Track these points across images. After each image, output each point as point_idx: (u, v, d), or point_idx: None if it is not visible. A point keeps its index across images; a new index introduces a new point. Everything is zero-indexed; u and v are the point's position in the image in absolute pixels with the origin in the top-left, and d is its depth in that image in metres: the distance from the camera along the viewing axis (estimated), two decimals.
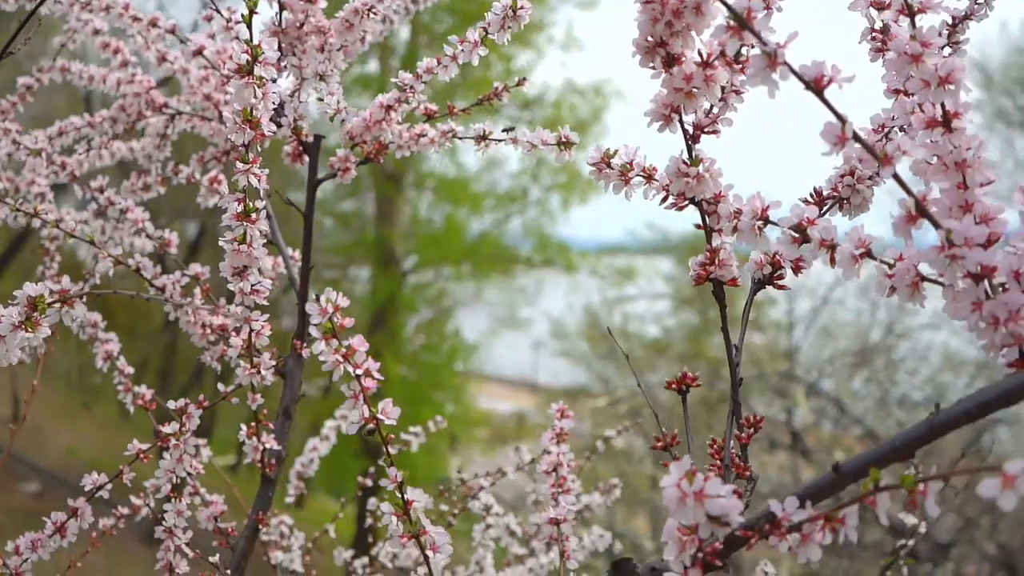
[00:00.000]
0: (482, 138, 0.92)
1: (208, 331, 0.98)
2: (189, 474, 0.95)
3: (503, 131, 0.92)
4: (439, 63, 0.89)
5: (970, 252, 0.49)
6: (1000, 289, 0.50)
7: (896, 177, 0.50)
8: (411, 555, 1.20)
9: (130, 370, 1.08)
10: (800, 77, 0.49)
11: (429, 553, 0.62)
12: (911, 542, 1.06)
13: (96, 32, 1.16)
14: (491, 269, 11.98)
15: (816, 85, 0.49)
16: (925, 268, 0.53)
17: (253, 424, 0.93)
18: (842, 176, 0.66)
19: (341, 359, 0.60)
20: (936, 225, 0.50)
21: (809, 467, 6.28)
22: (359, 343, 0.60)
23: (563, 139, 0.81)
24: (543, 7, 10.55)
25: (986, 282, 0.51)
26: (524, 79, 0.96)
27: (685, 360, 8.21)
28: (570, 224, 11.88)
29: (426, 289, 11.95)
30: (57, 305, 0.64)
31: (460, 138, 0.94)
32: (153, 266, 1.01)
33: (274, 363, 0.88)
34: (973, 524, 5.97)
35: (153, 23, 1.06)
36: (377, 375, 0.60)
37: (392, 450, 0.64)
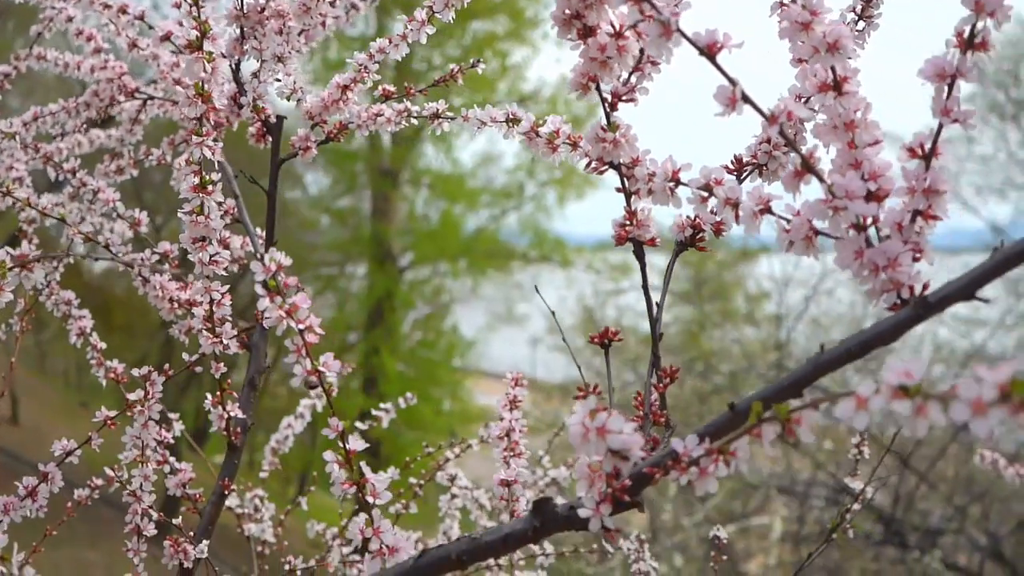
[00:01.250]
0: (435, 116, 0.96)
1: (175, 306, 1.02)
2: (159, 442, 0.99)
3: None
4: (390, 42, 0.93)
5: (852, 204, 0.53)
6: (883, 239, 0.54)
7: (783, 134, 0.54)
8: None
9: (102, 345, 1.11)
10: (693, 44, 0.53)
11: (370, 498, 0.66)
12: (856, 506, 1.10)
13: (70, 19, 1.20)
14: (487, 265, 12.02)
15: (709, 51, 0.53)
16: (819, 223, 0.57)
17: (218, 393, 0.97)
18: (760, 143, 0.70)
19: (284, 315, 0.64)
20: (820, 179, 0.54)
21: (801, 458, 6.33)
22: (302, 300, 0.64)
23: (511, 116, 0.85)
24: (538, 3, 10.56)
25: (871, 232, 0.55)
26: (479, 60, 1.00)
27: (680, 353, 8.25)
28: (566, 220, 11.91)
29: (423, 285, 11.99)
30: (16, 269, 0.67)
31: (415, 117, 0.98)
32: (124, 244, 1.05)
33: (235, 333, 0.92)
34: (963, 513, 6.02)
35: (123, 10, 1.10)
36: (319, 330, 0.64)
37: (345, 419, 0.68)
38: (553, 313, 0.90)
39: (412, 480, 1.31)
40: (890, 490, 6.33)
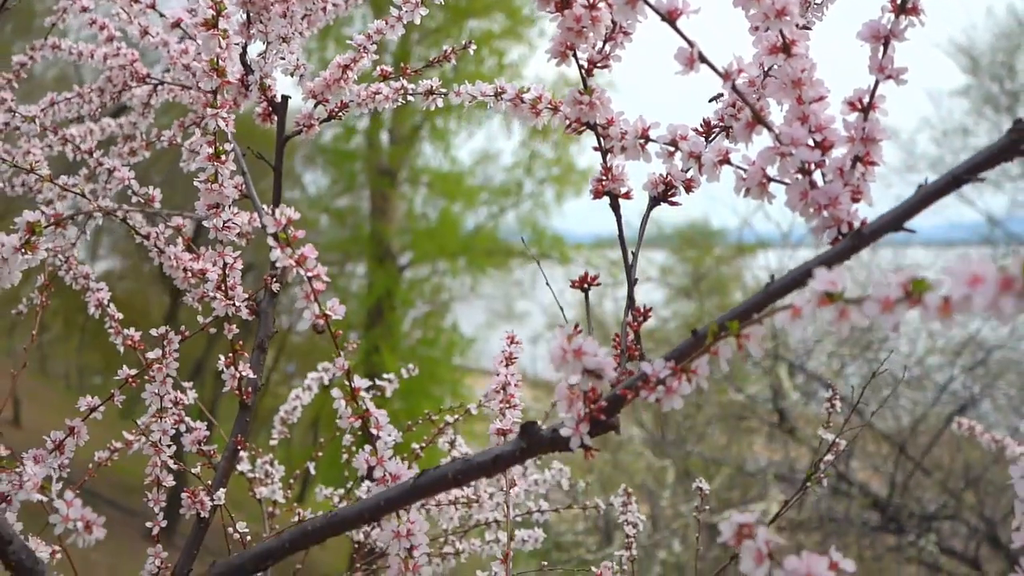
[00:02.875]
0: (429, 92, 1.03)
1: (189, 275, 1.08)
2: (174, 402, 1.06)
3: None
4: (387, 23, 1.00)
5: (797, 151, 0.60)
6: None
7: (735, 90, 0.60)
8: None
9: (119, 316, 1.18)
10: (656, 10, 0.60)
11: (374, 431, 0.73)
12: (829, 456, 1.16)
13: (84, 10, 1.26)
14: (486, 263, 12.09)
15: (670, 16, 0.60)
16: (771, 171, 0.64)
17: (231, 355, 1.04)
18: (726, 107, 0.76)
19: (294, 263, 0.70)
20: (770, 129, 0.60)
21: (797, 446, 6.41)
22: (309, 251, 0.71)
23: (499, 90, 0.91)
24: (533, 1, 10.57)
25: (818, 177, 0.62)
26: (470, 42, 1.07)
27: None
28: (564, 217, 11.97)
29: (422, 284, 12.05)
30: (52, 227, 0.74)
31: (411, 94, 1.05)
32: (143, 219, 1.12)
33: (247, 296, 0.99)
34: (958, 499, 6.09)
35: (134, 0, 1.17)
36: (326, 278, 0.71)
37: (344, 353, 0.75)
38: (562, 308, 0.95)
39: (414, 445, 1.37)
40: (886, 477, 6.41)
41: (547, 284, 1.07)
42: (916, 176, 8.99)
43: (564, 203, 11.78)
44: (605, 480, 7.01)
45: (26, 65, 1.39)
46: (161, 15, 1.16)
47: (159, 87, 1.26)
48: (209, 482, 1.02)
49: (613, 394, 0.63)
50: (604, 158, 0.72)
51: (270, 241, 0.70)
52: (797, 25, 0.62)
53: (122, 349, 1.16)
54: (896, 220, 0.56)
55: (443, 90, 1.01)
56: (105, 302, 1.20)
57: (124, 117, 1.42)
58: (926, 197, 0.55)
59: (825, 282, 0.47)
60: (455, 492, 1.23)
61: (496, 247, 11.95)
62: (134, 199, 1.17)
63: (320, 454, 1.58)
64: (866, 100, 0.61)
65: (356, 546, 1.55)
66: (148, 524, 1.01)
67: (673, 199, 0.76)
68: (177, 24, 1.14)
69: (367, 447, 0.73)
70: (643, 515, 1.30)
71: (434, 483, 0.67)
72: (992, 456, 6.21)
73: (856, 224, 0.59)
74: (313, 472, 1.57)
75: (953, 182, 0.55)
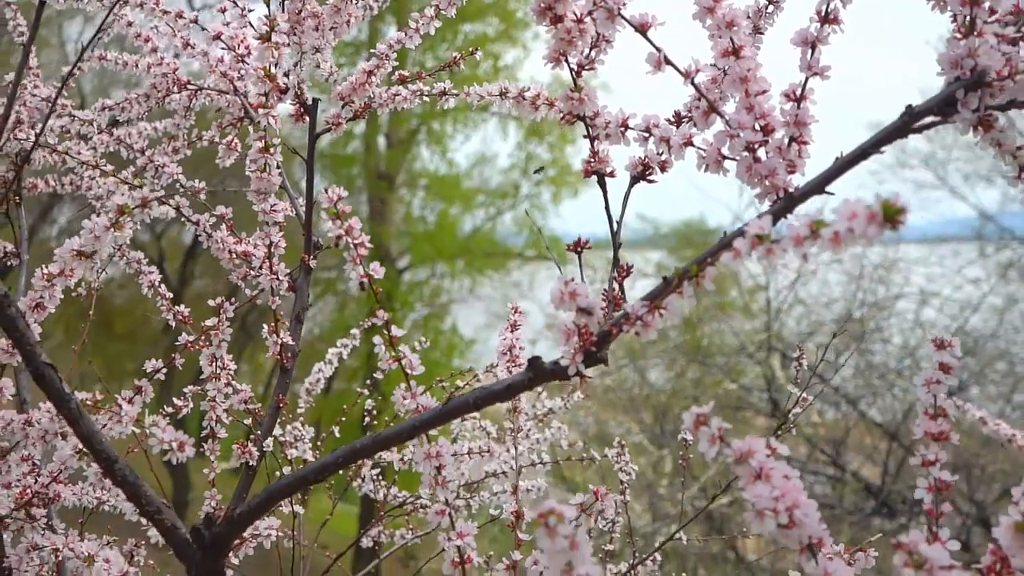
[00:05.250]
0: (443, 93, 1.19)
1: (233, 256, 1.24)
2: (222, 368, 1.22)
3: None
4: (405, 34, 1.16)
5: (743, 133, 0.76)
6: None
7: (693, 86, 0.77)
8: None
9: (170, 295, 1.34)
10: (631, 24, 0.76)
11: (408, 371, 0.89)
12: (798, 410, 1.32)
13: (130, 24, 1.42)
14: (485, 265, 12.24)
15: (642, 28, 0.76)
16: (725, 150, 0.80)
17: (273, 323, 1.20)
18: (693, 100, 0.92)
19: (344, 233, 0.86)
20: (722, 116, 0.77)
21: (795, 436, 6.55)
22: (355, 223, 0.87)
23: (503, 89, 1.07)
24: (528, 5, 10.74)
25: (760, 153, 0.78)
26: (476, 49, 1.23)
27: (679, 347, 8.49)
28: (562, 218, 12.11)
29: (421, 286, 12.21)
30: (139, 208, 0.90)
31: (425, 96, 1.21)
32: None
33: (289, 271, 1.14)
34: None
35: (179, 15, 1.32)
36: (368, 244, 0.87)
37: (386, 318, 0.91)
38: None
39: None
40: (879, 464, 6.58)
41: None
42: (908, 172, 9.14)
43: (561, 203, 11.94)
44: (604, 472, 7.16)
45: (74, 75, 1.55)
46: (203, 28, 1.32)
47: (198, 92, 1.41)
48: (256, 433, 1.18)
49: (602, 330, 0.78)
50: (592, 144, 0.88)
51: (324, 215, 0.86)
52: (748, 32, 0.78)
53: (174, 324, 1.31)
54: (818, 186, 0.72)
55: (455, 91, 1.17)
56: (156, 283, 1.36)
57: (159, 121, 1.57)
58: (841, 166, 0.71)
59: (756, 228, 0.63)
60: (468, 445, 1.39)
61: (494, 249, 12.11)
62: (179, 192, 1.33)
63: (343, 419, 1.74)
64: (798, 92, 0.77)
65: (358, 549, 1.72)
66: (205, 471, 1.17)
67: (650, 178, 0.92)
68: (218, 37, 1.30)
69: (402, 384, 0.89)
70: (639, 506, 1.45)
71: (459, 407, 0.83)
72: (981, 441, 6.38)
73: (791, 190, 0.75)
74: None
75: (861, 154, 0.71)
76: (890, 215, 0.53)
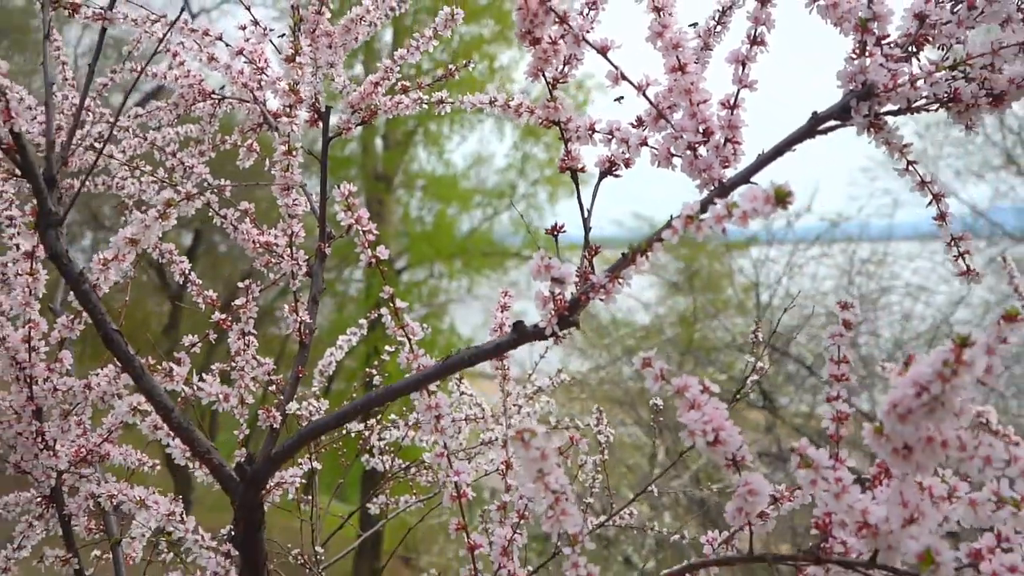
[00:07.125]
0: (440, 101, 1.36)
1: (256, 245, 1.41)
2: (245, 345, 1.39)
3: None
4: (408, 50, 1.33)
5: (686, 135, 0.93)
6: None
7: (645, 96, 0.94)
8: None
9: (199, 281, 1.51)
10: (593, 47, 0.93)
11: (410, 335, 1.06)
12: (754, 378, 1.49)
13: (160, 40, 1.59)
14: (482, 265, 12.40)
15: (602, 50, 0.93)
16: (673, 149, 0.97)
17: (293, 303, 1.36)
18: (648, 108, 1.09)
19: (355, 221, 1.03)
20: (668, 122, 0.94)
21: (782, 425, 6.76)
22: (364, 212, 1.04)
23: (492, 99, 1.24)
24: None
25: (701, 151, 0.95)
26: (471, 61, 1.40)
27: (675, 345, 8.66)
28: (558, 217, 12.22)
29: (419, 287, 12.37)
30: (184, 202, 1.07)
31: (425, 103, 1.38)
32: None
33: (307, 258, 1.31)
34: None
35: (206, 32, 1.49)
36: (375, 231, 1.04)
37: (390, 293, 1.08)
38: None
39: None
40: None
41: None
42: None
43: (557, 203, 12.09)
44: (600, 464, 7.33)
45: (107, 85, 1.72)
46: (227, 44, 1.49)
47: (221, 101, 1.58)
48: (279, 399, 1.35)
49: (573, 297, 0.95)
50: (566, 145, 1.05)
51: (337, 207, 1.03)
52: (694, 51, 0.95)
53: (203, 306, 1.48)
54: (744, 177, 0.89)
55: (451, 100, 1.34)
56: (187, 271, 1.53)
57: (181, 126, 1.75)
58: (760, 163, 0.88)
59: (688, 210, 0.80)
60: (466, 411, 1.56)
61: (491, 248, 12.27)
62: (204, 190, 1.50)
63: (355, 394, 1.91)
64: (732, 101, 0.95)
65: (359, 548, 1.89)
66: (235, 431, 1.34)
67: (616, 172, 1.10)
68: (240, 52, 1.46)
69: (406, 347, 1.06)
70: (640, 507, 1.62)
71: (456, 363, 1.00)
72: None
73: (724, 181, 0.92)
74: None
75: (777, 152, 0.88)
76: (780, 197, 0.71)
